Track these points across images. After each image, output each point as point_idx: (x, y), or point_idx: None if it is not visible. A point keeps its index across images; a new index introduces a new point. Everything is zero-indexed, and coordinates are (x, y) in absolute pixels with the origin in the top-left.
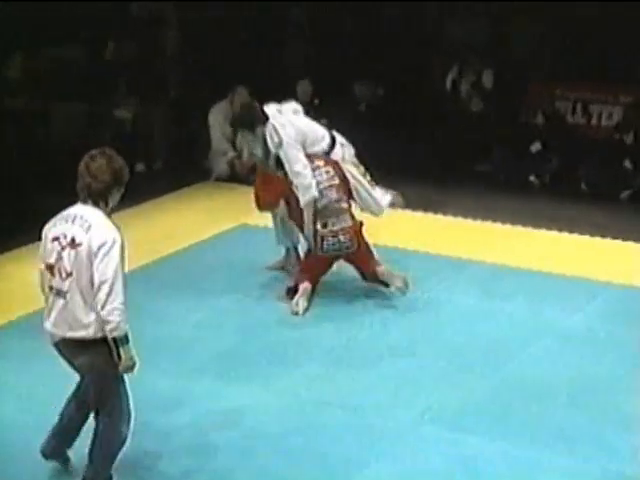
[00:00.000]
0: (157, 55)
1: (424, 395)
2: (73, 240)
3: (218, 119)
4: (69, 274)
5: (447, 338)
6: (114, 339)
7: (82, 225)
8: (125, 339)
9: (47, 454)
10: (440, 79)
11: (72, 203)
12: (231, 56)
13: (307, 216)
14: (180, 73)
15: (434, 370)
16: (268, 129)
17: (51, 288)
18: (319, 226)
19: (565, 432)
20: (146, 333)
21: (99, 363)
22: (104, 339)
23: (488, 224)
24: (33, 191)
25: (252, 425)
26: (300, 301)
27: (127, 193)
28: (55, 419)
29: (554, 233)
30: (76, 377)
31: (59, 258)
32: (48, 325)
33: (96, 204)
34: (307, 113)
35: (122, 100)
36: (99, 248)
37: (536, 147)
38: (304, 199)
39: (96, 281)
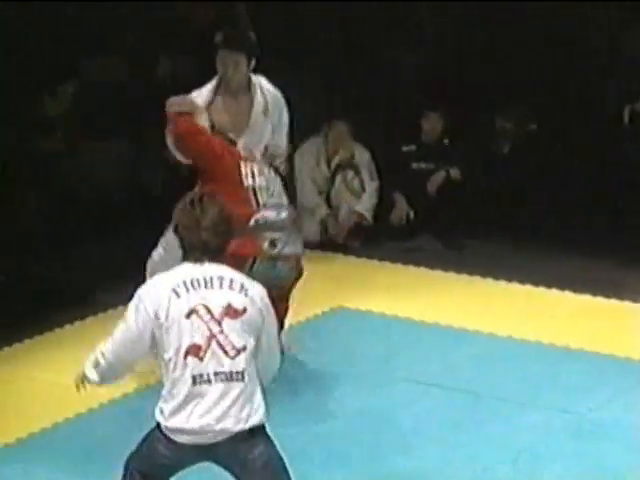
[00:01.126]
0: None
1: None
2: (230, 307)
3: (308, 162)
4: (240, 350)
5: None
6: None
7: (232, 287)
8: None
9: None
10: (616, 109)
11: (113, 275)
12: (325, 75)
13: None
14: None
15: None
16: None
17: (200, 376)
18: (266, 244)
19: None
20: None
21: (274, 450)
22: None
23: None
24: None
25: None
26: None
27: None
28: None
29: None
30: None
31: (212, 335)
32: (210, 423)
33: (215, 260)
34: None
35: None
36: (267, 306)
37: None
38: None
39: (271, 344)
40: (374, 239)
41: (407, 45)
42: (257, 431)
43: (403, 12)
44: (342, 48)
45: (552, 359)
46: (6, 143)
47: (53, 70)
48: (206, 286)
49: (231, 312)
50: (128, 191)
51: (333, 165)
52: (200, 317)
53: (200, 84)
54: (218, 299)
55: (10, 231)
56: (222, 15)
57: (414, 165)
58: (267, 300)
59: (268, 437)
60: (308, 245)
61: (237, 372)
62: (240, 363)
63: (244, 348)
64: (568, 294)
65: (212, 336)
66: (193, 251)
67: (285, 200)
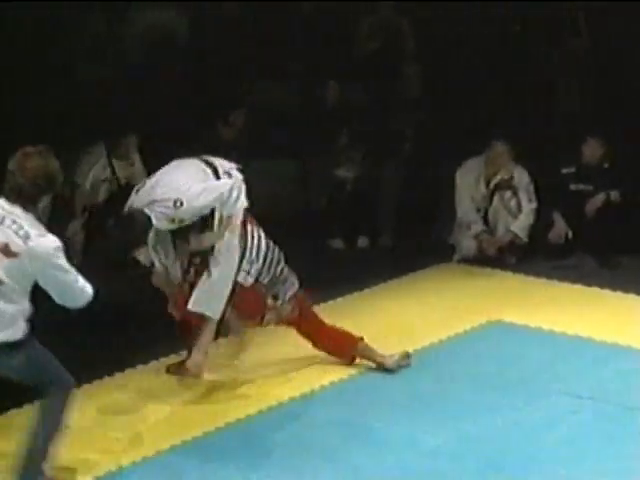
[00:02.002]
0: (391, 100)
1: None
2: (7, 247)
3: (468, 181)
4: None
5: None
6: None
7: (19, 233)
8: None
9: None
10: None
11: None
12: (489, 99)
13: None
14: (420, 122)
15: None
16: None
17: None
18: (269, 300)
19: None
20: (364, 463)
21: (36, 355)
22: None
23: None
24: None
25: None
26: None
27: (346, 275)
28: None
29: None
30: None
31: None
32: None
33: (25, 208)
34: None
35: (344, 156)
36: (49, 257)
37: None
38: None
39: (58, 285)
40: (530, 256)
41: (567, 71)
42: (14, 346)
43: (563, 38)
44: (503, 71)
45: None
46: None
47: (226, 99)
48: (1, 223)
49: (5, 250)
50: (295, 207)
51: (492, 185)
52: None
53: (368, 109)
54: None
55: None
56: (388, 41)
57: (573, 186)
58: (53, 259)
59: (30, 349)
60: (464, 260)
61: None
62: None
63: (1, 282)
64: None
65: None
66: (9, 194)
67: (276, 254)
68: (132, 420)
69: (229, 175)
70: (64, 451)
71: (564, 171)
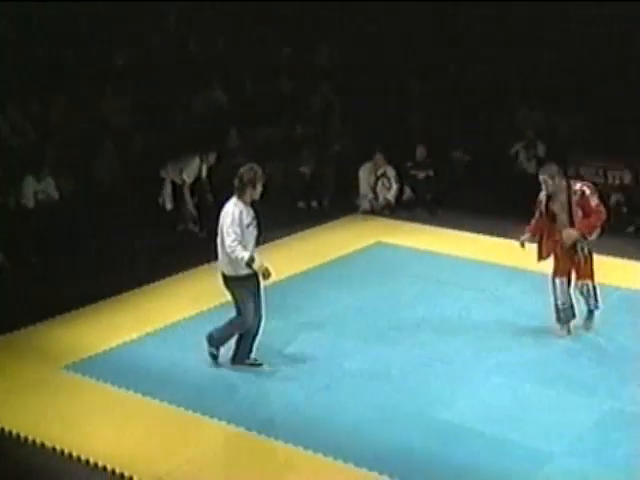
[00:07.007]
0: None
1: None
2: None
3: (364, 174)
4: None
5: None
6: None
7: None
8: None
9: None
10: None
11: None
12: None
13: None
14: (343, 145)
15: None
16: None
17: None
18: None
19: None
20: (322, 306)
21: None
22: None
23: None
24: None
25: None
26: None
27: (303, 220)
28: None
29: None
30: None
31: None
32: None
33: None
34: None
35: (305, 160)
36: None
37: None
38: None
39: None
40: (397, 211)
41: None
42: None
43: None
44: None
45: None
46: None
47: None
48: None
49: None
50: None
51: (377, 174)
52: None
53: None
54: None
55: None
56: None
57: (412, 172)
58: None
59: None
60: (364, 212)
61: None
62: None
63: None
64: None
65: None
66: None
67: None
68: None
69: None
70: None
71: (408, 164)
